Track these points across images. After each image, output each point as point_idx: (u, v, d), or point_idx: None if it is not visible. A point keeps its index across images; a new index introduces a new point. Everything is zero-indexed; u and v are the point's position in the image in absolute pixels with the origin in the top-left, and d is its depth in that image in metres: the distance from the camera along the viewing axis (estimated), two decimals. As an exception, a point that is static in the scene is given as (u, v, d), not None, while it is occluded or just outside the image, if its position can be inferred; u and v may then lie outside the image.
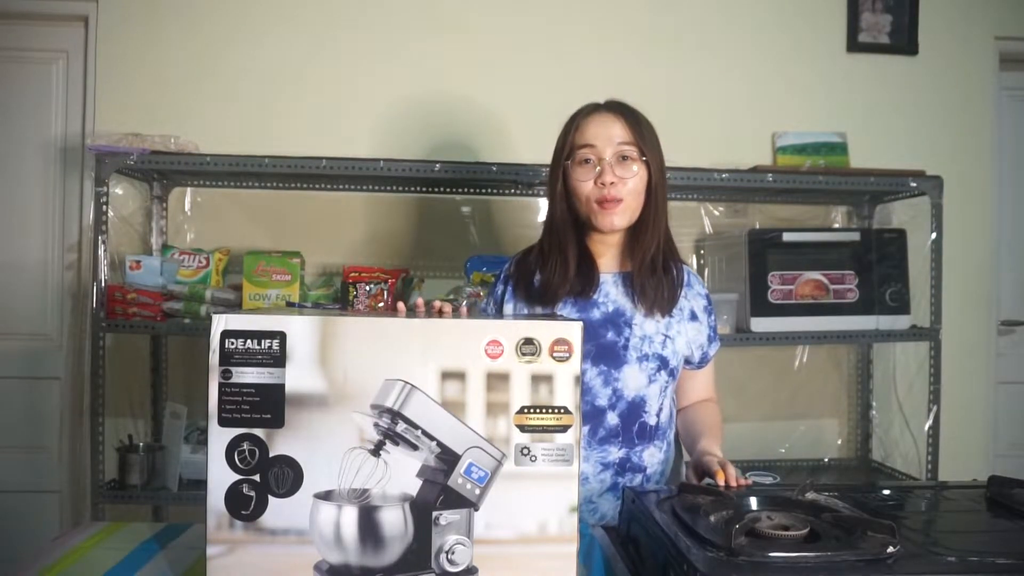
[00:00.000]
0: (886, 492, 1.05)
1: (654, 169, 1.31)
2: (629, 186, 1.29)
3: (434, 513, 0.83)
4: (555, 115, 1.40)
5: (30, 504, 2.37)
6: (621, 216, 1.30)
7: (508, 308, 1.39)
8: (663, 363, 1.33)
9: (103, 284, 2.00)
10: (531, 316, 1.32)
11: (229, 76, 2.35)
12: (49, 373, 2.39)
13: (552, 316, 1.28)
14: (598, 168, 1.29)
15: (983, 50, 2.61)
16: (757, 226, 2.43)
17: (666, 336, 1.34)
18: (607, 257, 1.38)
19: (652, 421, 1.32)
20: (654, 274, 1.33)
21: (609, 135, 1.29)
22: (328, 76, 2.38)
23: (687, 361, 1.39)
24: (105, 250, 2.00)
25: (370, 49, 2.39)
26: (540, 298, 1.34)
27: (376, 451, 0.83)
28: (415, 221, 2.41)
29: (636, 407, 1.31)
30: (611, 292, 1.35)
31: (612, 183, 1.28)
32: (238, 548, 0.83)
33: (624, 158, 1.29)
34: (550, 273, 1.33)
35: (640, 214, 1.33)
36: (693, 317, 1.38)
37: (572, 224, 1.35)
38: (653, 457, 1.33)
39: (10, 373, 2.38)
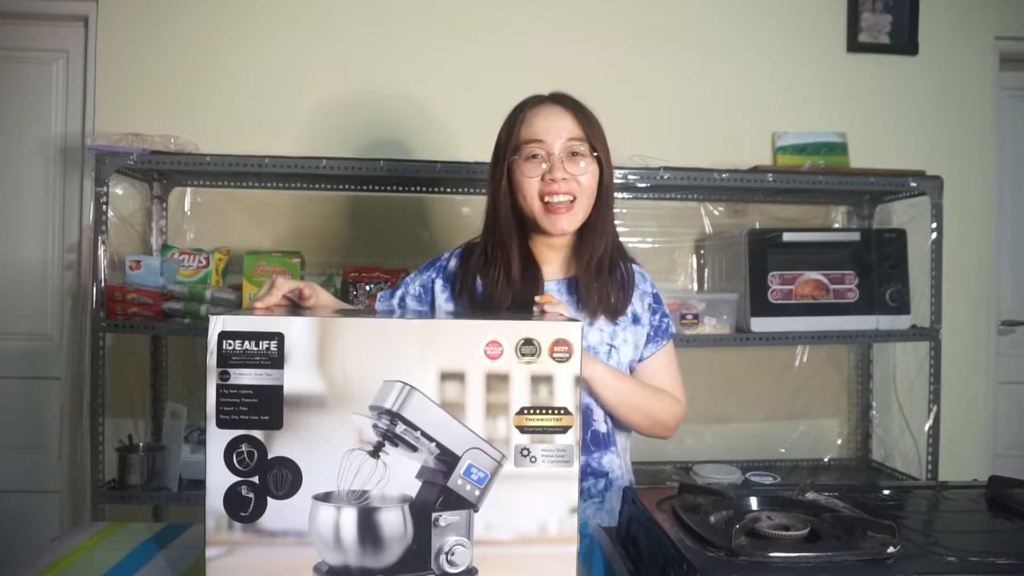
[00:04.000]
0: (886, 492, 1.05)
1: (605, 166, 1.25)
2: (582, 183, 1.23)
3: (434, 514, 0.83)
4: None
5: (30, 504, 2.37)
6: (571, 219, 1.24)
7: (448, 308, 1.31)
8: None
9: (103, 284, 2.00)
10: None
11: (229, 77, 2.35)
12: (49, 373, 2.40)
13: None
14: (546, 164, 1.22)
15: (983, 50, 2.61)
16: (757, 226, 2.43)
17: (611, 346, 1.28)
18: (553, 264, 1.32)
19: (603, 428, 1.28)
20: (599, 276, 1.27)
21: (558, 129, 1.23)
22: (328, 76, 2.38)
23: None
24: (105, 250, 2.00)
25: (370, 49, 2.39)
26: (483, 310, 1.26)
27: (375, 452, 0.83)
28: (415, 221, 2.40)
29: (584, 416, 1.25)
30: None
31: (564, 179, 1.21)
32: (237, 550, 0.83)
33: (574, 154, 1.23)
34: (491, 285, 1.26)
35: (589, 214, 1.27)
36: (635, 320, 1.32)
37: (516, 226, 1.27)
38: (613, 463, 1.29)
39: (10, 373, 2.38)
